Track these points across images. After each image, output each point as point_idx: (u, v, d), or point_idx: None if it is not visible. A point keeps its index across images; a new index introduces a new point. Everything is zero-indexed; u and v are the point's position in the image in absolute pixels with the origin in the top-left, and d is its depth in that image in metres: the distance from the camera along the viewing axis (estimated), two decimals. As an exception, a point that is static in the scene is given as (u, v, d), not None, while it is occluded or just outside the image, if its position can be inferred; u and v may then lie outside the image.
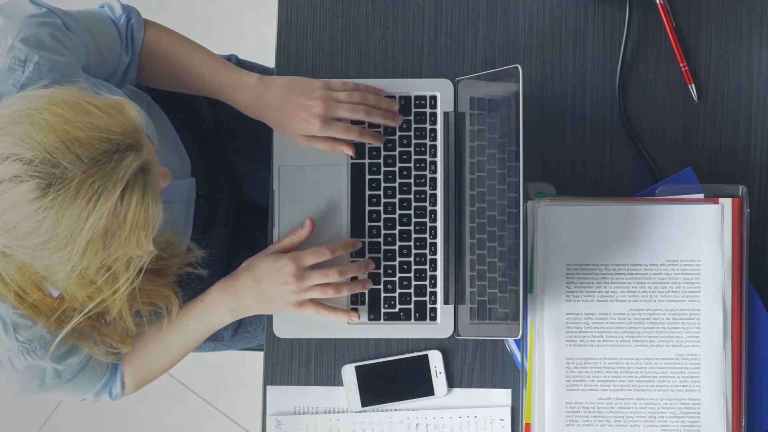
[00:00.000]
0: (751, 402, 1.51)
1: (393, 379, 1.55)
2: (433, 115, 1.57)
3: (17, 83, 1.29)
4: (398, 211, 1.56)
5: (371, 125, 1.56)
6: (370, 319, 1.56)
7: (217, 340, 1.74)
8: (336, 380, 1.57)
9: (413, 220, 1.56)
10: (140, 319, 1.44)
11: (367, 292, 1.55)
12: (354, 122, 1.54)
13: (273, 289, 1.48)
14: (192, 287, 1.63)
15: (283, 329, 1.57)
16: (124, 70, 1.52)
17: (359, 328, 1.56)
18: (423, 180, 1.57)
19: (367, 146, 1.57)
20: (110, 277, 1.25)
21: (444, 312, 1.56)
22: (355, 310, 1.55)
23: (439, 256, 1.56)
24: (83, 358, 1.41)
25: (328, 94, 1.50)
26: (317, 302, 1.51)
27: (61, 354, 1.37)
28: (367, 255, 1.56)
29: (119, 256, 1.22)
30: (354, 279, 1.54)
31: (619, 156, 1.58)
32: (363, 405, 1.55)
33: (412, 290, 1.56)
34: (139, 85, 1.64)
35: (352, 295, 1.56)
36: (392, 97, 1.56)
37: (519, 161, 1.41)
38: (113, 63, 1.49)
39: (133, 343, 1.52)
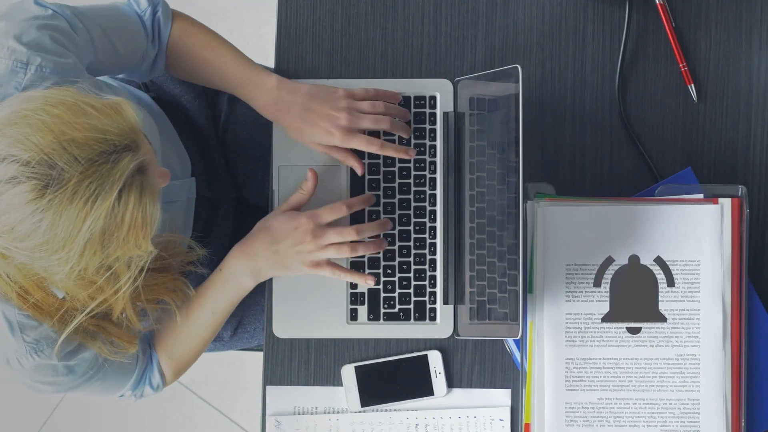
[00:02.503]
0: (751, 402, 1.51)
1: (392, 380, 1.55)
2: (433, 115, 1.57)
3: (19, 85, 1.29)
4: (398, 211, 1.56)
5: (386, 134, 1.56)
6: (369, 319, 1.56)
7: (216, 340, 1.74)
8: (335, 380, 1.57)
9: (413, 220, 1.56)
10: (146, 317, 1.44)
11: (366, 291, 1.55)
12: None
13: (289, 249, 1.48)
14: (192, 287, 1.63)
15: (282, 329, 1.57)
16: (152, 62, 1.52)
17: (359, 328, 1.56)
18: (422, 180, 1.57)
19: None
20: (111, 276, 1.25)
21: (443, 312, 1.56)
22: (373, 275, 1.54)
23: (439, 256, 1.56)
24: (97, 353, 1.41)
25: (352, 104, 1.50)
26: (333, 264, 1.50)
27: (69, 351, 1.37)
28: (368, 254, 1.56)
29: (119, 256, 1.22)
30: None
31: (619, 156, 1.58)
32: (362, 405, 1.55)
33: (411, 290, 1.56)
34: (138, 84, 1.64)
35: (351, 295, 1.56)
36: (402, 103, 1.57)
37: (518, 161, 1.41)
38: (136, 57, 1.49)
39: (162, 329, 1.52)
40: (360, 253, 1.50)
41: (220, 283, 1.50)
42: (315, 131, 1.50)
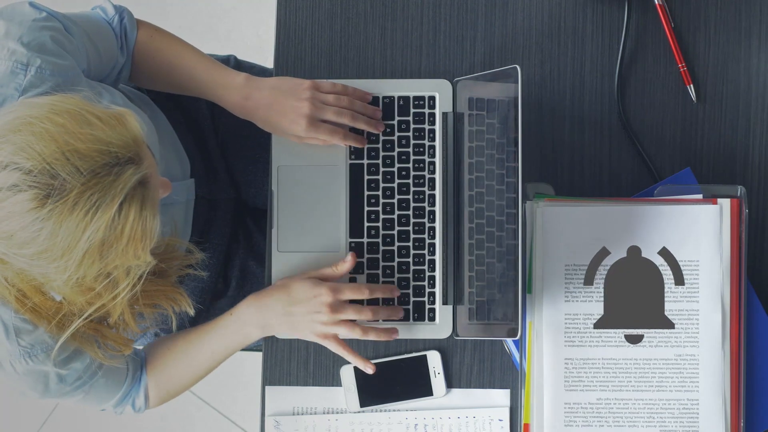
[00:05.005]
0: (750, 403, 1.51)
1: (392, 380, 1.55)
2: (432, 115, 1.57)
3: (19, 87, 1.29)
4: (397, 212, 1.56)
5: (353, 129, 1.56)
6: (368, 320, 1.56)
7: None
8: (335, 381, 1.57)
9: (412, 220, 1.56)
10: (143, 320, 1.44)
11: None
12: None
13: (304, 315, 1.48)
14: (190, 288, 1.63)
15: (281, 330, 1.57)
16: (119, 71, 1.52)
17: (358, 328, 1.56)
18: (422, 180, 1.57)
19: (366, 147, 1.57)
20: (110, 283, 1.25)
21: (443, 312, 1.56)
22: (374, 365, 1.54)
23: (438, 257, 1.56)
24: (88, 364, 1.41)
25: (315, 95, 1.51)
26: (340, 340, 1.50)
27: (63, 358, 1.37)
28: (366, 255, 1.56)
29: (118, 264, 1.22)
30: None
31: (618, 156, 1.58)
32: (361, 405, 1.55)
33: (410, 291, 1.56)
34: (137, 85, 1.64)
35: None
36: (376, 103, 1.57)
37: (517, 162, 1.41)
38: (111, 64, 1.49)
39: (158, 354, 1.52)
40: (371, 338, 1.50)
41: (226, 326, 1.50)
42: (282, 122, 1.51)
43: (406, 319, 1.56)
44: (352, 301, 1.50)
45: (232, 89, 1.52)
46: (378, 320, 1.53)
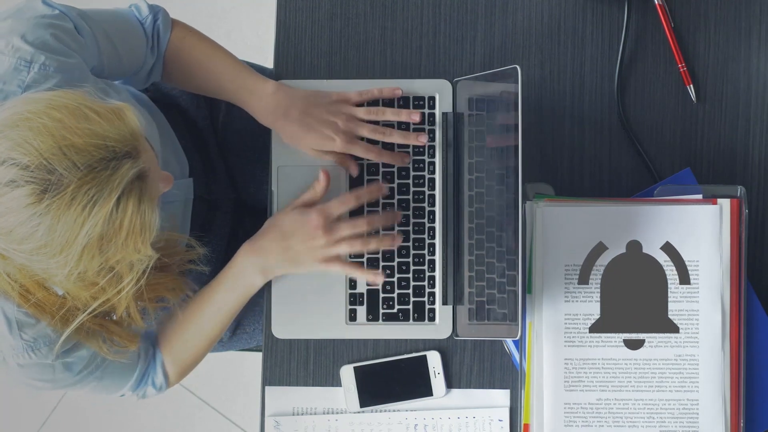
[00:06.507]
0: (750, 403, 1.51)
1: (391, 380, 1.55)
2: (432, 115, 1.57)
3: (22, 84, 1.30)
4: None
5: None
6: (368, 320, 1.56)
7: (215, 340, 1.74)
8: (334, 381, 1.57)
9: (412, 220, 1.56)
10: (147, 315, 1.44)
11: (365, 292, 1.55)
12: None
13: (301, 245, 1.48)
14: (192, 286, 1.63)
15: (281, 330, 1.57)
16: (149, 71, 1.52)
17: (358, 328, 1.56)
18: (421, 181, 1.57)
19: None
20: (113, 278, 1.26)
21: (442, 312, 1.56)
22: (379, 268, 1.54)
23: (438, 257, 1.56)
24: (96, 350, 1.41)
25: (349, 111, 1.51)
26: (344, 260, 1.50)
27: (66, 349, 1.37)
28: (366, 255, 1.56)
29: (119, 259, 1.22)
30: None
31: (618, 156, 1.58)
32: (361, 406, 1.55)
33: (410, 291, 1.56)
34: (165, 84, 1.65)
35: (350, 295, 1.56)
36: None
37: (517, 162, 1.41)
38: (136, 63, 1.49)
39: (168, 327, 1.52)
40: (372, 248, 1.50)
41: (228, 281, 1.50)
42: (314, 137, 1.50)
43: (405, 319, 1.56)
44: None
45: (261, 96, 1.51)
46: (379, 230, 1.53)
